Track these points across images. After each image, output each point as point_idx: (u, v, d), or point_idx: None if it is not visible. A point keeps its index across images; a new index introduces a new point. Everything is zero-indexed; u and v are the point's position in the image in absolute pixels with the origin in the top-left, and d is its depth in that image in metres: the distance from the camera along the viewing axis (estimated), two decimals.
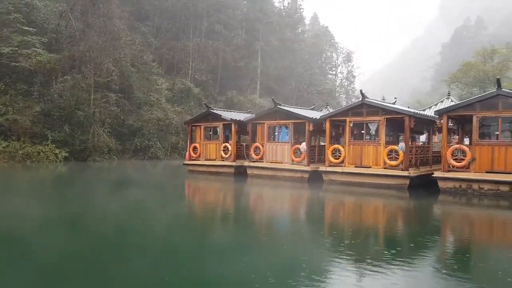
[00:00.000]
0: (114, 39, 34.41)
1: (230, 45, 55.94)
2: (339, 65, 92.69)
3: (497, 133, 14.93)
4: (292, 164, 19.64)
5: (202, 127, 23.75)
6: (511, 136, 15.37)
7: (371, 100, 17.32)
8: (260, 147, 20.79)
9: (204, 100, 42.16)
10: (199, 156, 23.52)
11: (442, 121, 15.76)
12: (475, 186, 14.58)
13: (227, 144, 22.23)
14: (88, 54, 31.58)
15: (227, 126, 22.60)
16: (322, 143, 22.17)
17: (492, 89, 15.36)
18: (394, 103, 20.46)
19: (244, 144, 23.72)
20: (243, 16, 61.66)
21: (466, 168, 14.96)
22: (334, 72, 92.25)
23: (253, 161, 21.09)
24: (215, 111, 23.40)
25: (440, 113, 15.86)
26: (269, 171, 20.30)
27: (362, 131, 17.83)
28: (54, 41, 31.64)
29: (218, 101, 49.20)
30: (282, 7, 76.12)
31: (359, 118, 17.46)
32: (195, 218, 11.30)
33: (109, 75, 32.91)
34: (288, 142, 19.96)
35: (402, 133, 18.31)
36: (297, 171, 19.31)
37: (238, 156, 22.51)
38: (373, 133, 17.33)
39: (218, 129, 23.25)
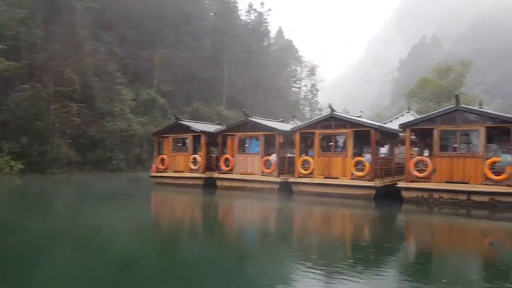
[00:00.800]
0: (76, 48, 33.48)
1: (197, 56, 55.85)
2: (303, 78, 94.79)
3: (456, 145, 15.86)
4: (262, 175, 19.81)
5: (171, 139, 23.46)
6: (468, 148, 16.40)
7: (340, 114, 17.93)
8: (230, 158, 20.82)
9: (170, 111, 41.62)
10: (167, 168, 23.17)
11: (405, 134, 16.55)
12: (436, 195, 15.36)
13: (196, 155, 22.07)
14: (49, 62, 30.49)
15: (196, 138, 22.47)
16: (290, 155, 22.54)
17: (448, 104, 16.44)
18: (359, 117, 21.21)
19: (214, 155, 23.66)
20: (210, 28, 61.87)
21: (427, 178, 15.74)
22: (298, 85, 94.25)
23: (223, 173, 21.07)
24: (184, 123, 23.24)
25: (404, 126, 16.67)
26: (239, 183, 20.35)
27: (331, 143, 18.33)
28: (13, 48, 30.31)
29: (184, 112, 48.74)
30: (248, 20, 77.12)
31: (328, 130, 17.97)
32: (159, 232, 10.96)
33: (71, 84, 31.90)
34: (259, 154, 20.15)
35: (366, 145, 19.01)
36: (267, 182, 19.49)
37: (208, 167, 22.40)
38: (341, 145, 17.88)
39: (187, 141, 23.07)
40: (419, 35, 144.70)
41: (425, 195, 15.56)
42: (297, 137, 18.99)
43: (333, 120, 17.83)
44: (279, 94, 76.06)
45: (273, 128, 19.80)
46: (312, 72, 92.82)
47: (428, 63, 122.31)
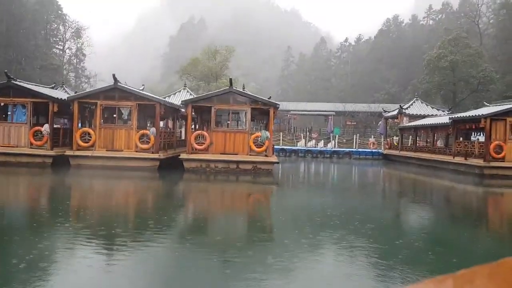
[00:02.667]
0: None
1: None
2: (67, 40, 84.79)
3: (228, 122, 18.48)
4: (31, 148, 17.44)
5: None
6: (237, 125, 19.37)
7: (124, 86, 17.66)
8: None
9: None
10: None
11: (187, 110, 18.01)
12: (212, 165, 17.60)
13: None
14: None
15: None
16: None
17: (215, 84, 18.82)
18: (142, 90, 21.41)
19: None
20: None
21: (205, 150, 17.78)
22: (61, 47, 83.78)
23: None
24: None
25: (186, 103, 18.06)
26: None
27: (114, 115, 17.90)
28: None
29: None
30: None
31: (111, 101, 17.45)
32: None
33: None
34: (26, 124, 17.54)
35: (150, 118, 19.57)
36: (37, 156, 17.31)
37: None
38: (126, 117, 17.77)
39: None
40: (187, 15, 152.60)
41: (204, 165, 17.56)
42: (75, 107, 17.59)
43: (117, 92, 17.44)
44: (37, 54, 65.83)
45: (46, 94, 17.60)
46: (77, 34, 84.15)
47: (196, 43, 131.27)
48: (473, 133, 24.74)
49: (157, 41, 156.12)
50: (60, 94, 19.25)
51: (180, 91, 29.58)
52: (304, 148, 36.35)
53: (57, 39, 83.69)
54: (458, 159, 22.10)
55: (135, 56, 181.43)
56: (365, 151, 35.21)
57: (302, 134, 42.66)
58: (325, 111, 50.46)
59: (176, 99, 27.73)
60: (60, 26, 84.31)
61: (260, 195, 13.93)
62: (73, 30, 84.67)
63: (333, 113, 47.85)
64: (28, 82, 19.76)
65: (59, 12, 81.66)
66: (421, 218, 10.50)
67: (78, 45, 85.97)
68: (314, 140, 40.00)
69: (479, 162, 20.00)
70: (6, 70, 18.48)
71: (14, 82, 17.40)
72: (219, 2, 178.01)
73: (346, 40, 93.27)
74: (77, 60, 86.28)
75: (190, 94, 29.62)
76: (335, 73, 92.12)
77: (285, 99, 73.26)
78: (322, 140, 39.47)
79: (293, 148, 36.24)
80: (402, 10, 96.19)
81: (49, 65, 67.63)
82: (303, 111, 51.76)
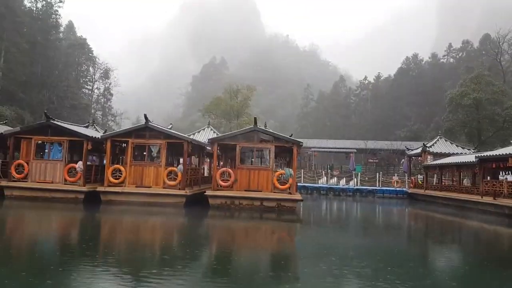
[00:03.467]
0: None
1: None
2: (96, 80, 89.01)
3: (252, 159, 18.92)
4: (65, 184, 18.21)
5: None
6: (261, 162, 19.77)
7: (154, 125, 18.50)
8: (25, 164, 18.25)
9: None
10: None
11: (213, 147, 18.60)
12: (237, 202, 17.88)
13: None
14: None
15: None
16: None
17: (237, 122, 19.40)
18: (170, 128, 22.26)
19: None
20: None
21: (230, 187, 18.15)
22: (90, 87, 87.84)
23: (14, 181, 18.22)
24: None
25: (212, 141, 18.69)
26: (35, 192, 18.03)
27: (144, 153, 18.64)
28: None
29: None
30: (34, 8, 67.59)
31: (142, 140, 18.25)
32: None
33: None
34: (61, 160, 18.44)
35: (177, 155, 20.23)
36: (71, 191, 18.03)
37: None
38: (155, 155, 18.46)
39: None
40: (209, 55, 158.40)
41: (228, 201, 17.87)
42: (108, 145, 18.45)
43: (148, 131, 18.28)
44: (68, 94, 69.14)
45: (82, 133, 18.58)
46: (106, 74, 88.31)
47: (217, 82, 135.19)
48: (500, 172, 24.30)
49: (180, 81, 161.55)
50: (93, 132, 20.25)
51: (204, 129, 30.51)
52: (326, 185, 36.26)
53: (87, 79, 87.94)
54: (486, 199, 21.67)
55: (158, 95, 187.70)
56: (389, 190, 34.81)
57: (323, 172, 42.63)
58: (346, 148, 50.50)
59: (200, 137, 28.57)
60: (90, 68, 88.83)
61: (284, 234, 13.95)
62: (102, 71, 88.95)
63: (355, 150, 47.85)
64: (65, 122, 20.92)
65: (90, 54, 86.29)
66: (453, 263, 10.15)
67: (106, 85, 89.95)
68: (335, 178, 39.86)
69: (509, 202, 19.57)
70: (46, 110, 19.70)
71: (53, 121, 18.50)
72: (239, 43, 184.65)
73: (365, 78, 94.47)
74: (105, 99, 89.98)
75: (214, 132, 30.47)
76: (355, 111, 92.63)
77: (305, 136, 73.74)
78: (344, 178, 39.29)
79: (315, 185, 36.20)
80: (421, 49, 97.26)
81: (79, 104, 70.77)
82: (324, 148, 51.93)
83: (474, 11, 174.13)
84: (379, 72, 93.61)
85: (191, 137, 27.23)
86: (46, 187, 18.17)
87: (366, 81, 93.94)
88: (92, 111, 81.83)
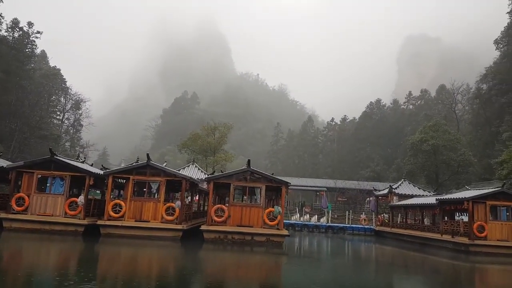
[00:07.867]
0: None
1: None
2: (66, 111, 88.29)
3: (245, 197, 20.72)
4: (65, 217, 19.10)
5: None
6: (250, 200, 21.56)
7: (155, 164, 20.04)
8: (25, 197, 19.05)
9: None
10: None
11: (209, 186, 20.28)
12: (230, 236, 19.43)
13: None
14: None
15: None
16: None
17: (213, 158, 21.13)
18: (165, 165, 23.74)
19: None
20: None
21: (223, 223, 19.73)
22: (60, 117, 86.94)
23: (14, 213, 18.91)
24: None
25: (208, 180, 20.40)
26: (34, 224, 18.76)
27: (144, 189, 19.98)
28: None
29: None
30: (9, 38, 67.74)
31: (143, 177, 19.66)
32: None
33: None
34: (63, 194, 19.40)
35: (173, 192, 21.65)
36: (70, 224, 18.92)
37: None
38: (154, 191, 19.86)
39: None
40: (180, 89, 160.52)
41: (221, 236, 19.40)
42: (109, 181, 19.68)
43: (148, 168, 19.75)
44: (41, 125, 68.37)
45: (85, 169, 19.76)
46: (77, 105, 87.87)
47: (188, 116, 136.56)
48: (456, 213, 27.38)
49: (149, 112, 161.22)
50: (95, 169, 21.38)
51: (189, 165, 32.01)
52: (300, 222, 38.25)
53: (57, 109, 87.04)
54: (445, 237, 24.41)
55: (125, 126, 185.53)
56: (358, 227, 37.27)
57: (297, 209, 44.69)
58: (317, 186, 53.19)
59: (185, 173, 29.95)
60: (62, 98, 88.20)
61: (273, 266, 15.62)
62: (73, 102, 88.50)
63: (325, 188, 50.54)
64: (67, 158, 21.95)
65: (63, 85, 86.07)
66: None
67: (77, 116, 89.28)
68: (308, 215, 42.00)
69: (465, 240, 22.34)
70: (50, 147, 20.71)
71: (56, 157, 19.60)
72: (211, 79, 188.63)
73: (332, 120, 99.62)
74: (74, 130, 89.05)
75: (199, 169, 32.01)
76: (322, 150, 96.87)
77: (276, 173, 76.20)
78: (316, 215, 41.50)
79: (290, 221, 38.05)
80: (383, 91, 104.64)
81: (50, 135, 69.93)
82: (296, 186, 54.29)
83: (432, 60, 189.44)
84: (345, 115, 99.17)
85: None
86: (46, 219, 18.94)
87: (333, 123, 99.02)
88: (61, 142, 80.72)
